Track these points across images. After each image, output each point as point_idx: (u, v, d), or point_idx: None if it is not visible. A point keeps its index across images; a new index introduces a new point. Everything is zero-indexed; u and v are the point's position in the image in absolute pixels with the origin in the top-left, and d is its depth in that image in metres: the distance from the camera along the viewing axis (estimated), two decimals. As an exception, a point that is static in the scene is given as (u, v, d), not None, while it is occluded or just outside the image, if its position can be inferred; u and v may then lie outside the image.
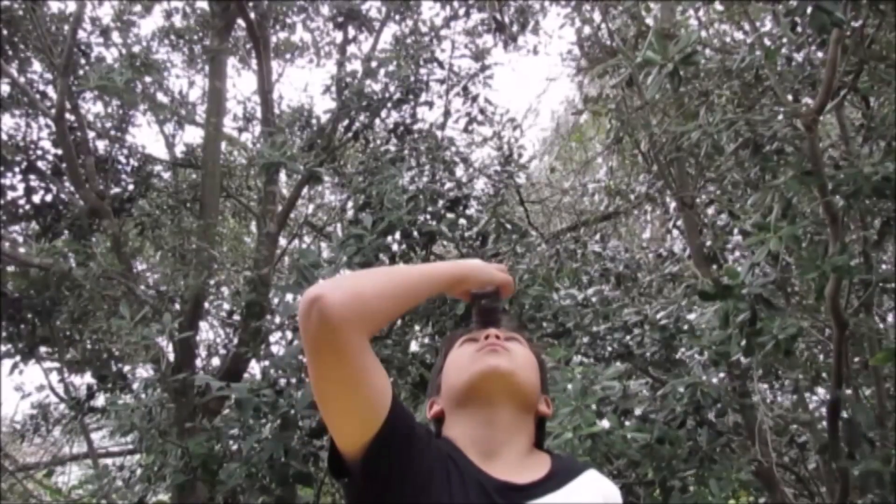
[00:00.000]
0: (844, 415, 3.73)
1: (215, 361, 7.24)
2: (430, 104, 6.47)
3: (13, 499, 7.72)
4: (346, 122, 6.67)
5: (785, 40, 3.96)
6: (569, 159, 9.51)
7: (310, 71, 9.83)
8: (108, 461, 7.79)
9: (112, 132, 7.40)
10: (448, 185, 5.26)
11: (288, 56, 8.64)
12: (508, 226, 5.18)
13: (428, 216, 4.80)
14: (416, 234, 4.75)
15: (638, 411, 3.77)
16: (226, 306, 7.23)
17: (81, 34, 6.96)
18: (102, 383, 6.77)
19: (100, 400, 6.75)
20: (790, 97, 3.92)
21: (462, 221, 5.02)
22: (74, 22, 6.49)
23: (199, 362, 6.88)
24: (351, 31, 7.71)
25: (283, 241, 7.79)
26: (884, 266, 4.28)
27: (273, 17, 7.88)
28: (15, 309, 6.80)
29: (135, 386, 6.01)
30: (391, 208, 4.59)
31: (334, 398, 1.28)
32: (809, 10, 2.80)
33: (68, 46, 6.30)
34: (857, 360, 4.66)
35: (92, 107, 7.41)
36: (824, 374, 4.69)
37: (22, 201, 7.03)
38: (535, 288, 4.56)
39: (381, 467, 1.28)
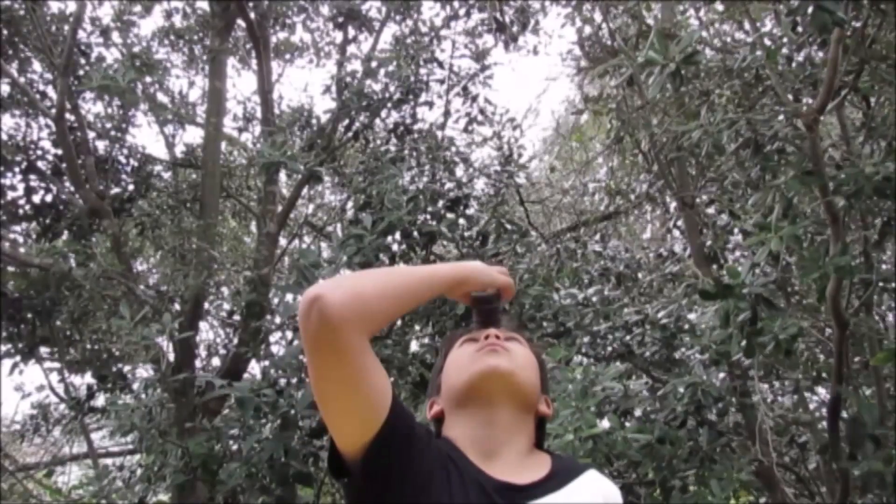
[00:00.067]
0: (845, 414, 3.73)
1: (215, 361, 7.24)
2: (430, 104, 6.47)
3: (13, 499, 7.72)
4: (346, 122, 6.66)
5: (786, 40, 3.95)
6: (569, 159, 9.51)
7: (310, 71, 9.85)
8: (108, 461, 7.80)
9: (112, 132, 7.40)
10: (448, 185, 5.26)
11: (288, 56, 8.64)
12: (508, 226, 5.18)
13: (428, 216, 4.80)
14: (416, 234, 4.74)
15: (638, 411, 3.77)
16: (226, 306, 7.23)
17: (81, 34, 6.95)
18: (102, 383, 6.76)
19: (100, 400, 6.74)
20: (791, 97, 3.92)
21: (462, 221, 5.01)
22: (74, 22, 6.49)
23: (199, 362, 6.87)
24: (351, 31, 7.71)
25: (283, 241, 7.79)
26: (884, 266, 4.27)
27: (273, 17, 7.88)
28: (15, 309, 6.80)
29: (135, 386, 6.00)
30: (391, 208, 4.58)
31: (334, 398, 1.28)
32: (810, 9, 2.80)
33: (68, 46, 6.29)
34: (857, 360, 4.66)
35: (92, 107, 7.41)
36: (825, 374, 4.68)
37: (22, 201, 7.03)
38: (535, 288, 4.56)
39: (381, 467, 1.28)
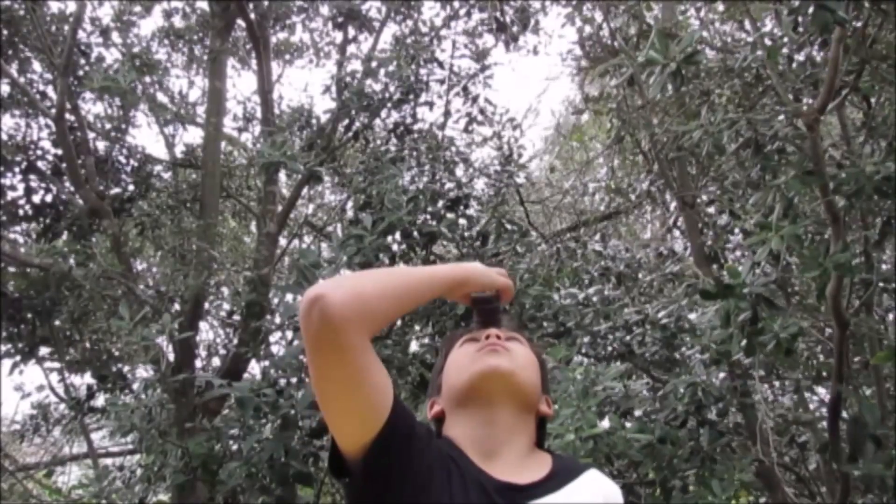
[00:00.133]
0: (845, 414, 3.73)
1: (215, 361, 7.24)
2: (431, 104, 6.47)
3: (13, 499, 7.72)
4: (346, 122, 6.66)
5: (786, 39, 3.95)
6: (569, 159, 9.51)
7: (310, 71, 9.85)
8: (108, 461, 7.80)
9: (112, 132, 7.40)
10: (448, 185, 5.25)
11: (288, 56, 8.63)
12: (509, 226, 5.17)
13: (428, 216, 4.79)
14: (416, 234, 4.74)
15: (639, 411, 3.77)
16: (226, 306, 7.23)
17: (81, 34, 6.95)
18: (102, 383, 6.76)
19: (100, 400, 6.74)
20: (791, 97, 3.92)
21: (462, 221, 5.01)
22: (74, 22, 6.48)
23: (199, 362, 6.87)
24: (351, 31, 7.71)
25: (283, 241, 7.78)
26: (885, 266, 4.27)
27: (273, 17, 7.88)
28: (15, 309, 6.79)
29: (135, 386, 6.00)
30: (391, 208, 4.58)
31: (335, 398, 1.28)
32: (811, 9, 2.80)
33: (68, 46, 6.29)
34: (857, 359, 4.66)
35: (92, 107, 7.41)
36: (825, 374, 4.68)
37: (22, 201, 7.03)
38: (535, 288, 4.56)
39: (382, 467, 1.28)
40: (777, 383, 4.98)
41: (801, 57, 4.06)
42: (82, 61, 7.00)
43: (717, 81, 4.57)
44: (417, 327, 4.99)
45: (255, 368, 6.53)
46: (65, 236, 7.10)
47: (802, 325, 3.58)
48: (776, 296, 3.31)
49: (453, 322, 4.43)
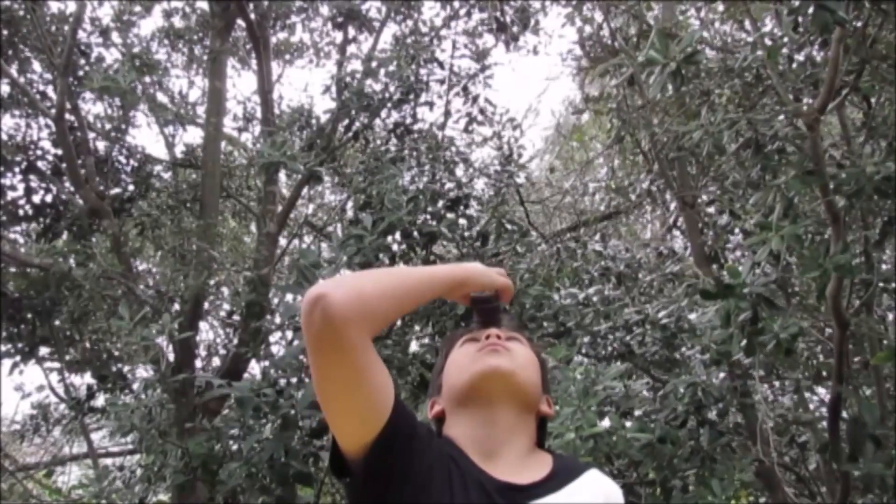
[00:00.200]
0: (845, 414, 3.73)
1: (215, 361, 7.24)
2: (431, 104, 6.47)
3: (13, 499, 7.72)
4: (346, 122, 6.66)
5: (786, 39, 3.95)
6: (569, 159, 9.51)
7: (310, 71, 9.85)
8: (108, 461, 7.79)
9: (112, 132, 7.39)
10: (448, 185, 5.25)
11: (288, 56, 8.63)
12: (509, 226, 5.17)
13: (428, 216, 4.79)
14: (416, 234, 4.74)
15: (639, 411, 3.77)
16: (226, 306, 7.23)
17: (81, 34, 6.94)
18: (102, 383, 6.76)
19: (100, 400, 6.74)
20: (792, 97, 3.92)
21: (462, 221, 5.00)
22: (74, 22, 6.48)
23: (199, 362, 6.87)
24: (351, 31, 7.70)
25: (283, 241, 7.78)
26: (885, 266, 4.27)
27: (273, 17, 7.88)
28: (15, 309, 6.79)
29: (135, 386, 6.01)
30: (391, 208, 4.58)
31: (336, 397, 1.28)
32: (812, 9, 2.79)
33: (68, 46, 6.29)
34: (857, 359, 4.66)
35: (92, 107, 7.40)
36: (825, 374, 4.68)
37: (22, 201, 7.02)
38: (535, 287, 4.55)
39: (383, 467, 1.28)
40: (777, 383, 4.98)
41: (801, 57, 4.06)
42: (82, 61, 6.99)
43: (718, 81, 4.57)
44: (417, 327, 4.99)
45: (255, 368, 6.54)
46: (65, 236, 7.10)
47: (802, 325, 3.58)
48: (776, 296, 3.31)
49: (453, 322, 4.43)
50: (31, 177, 7.04)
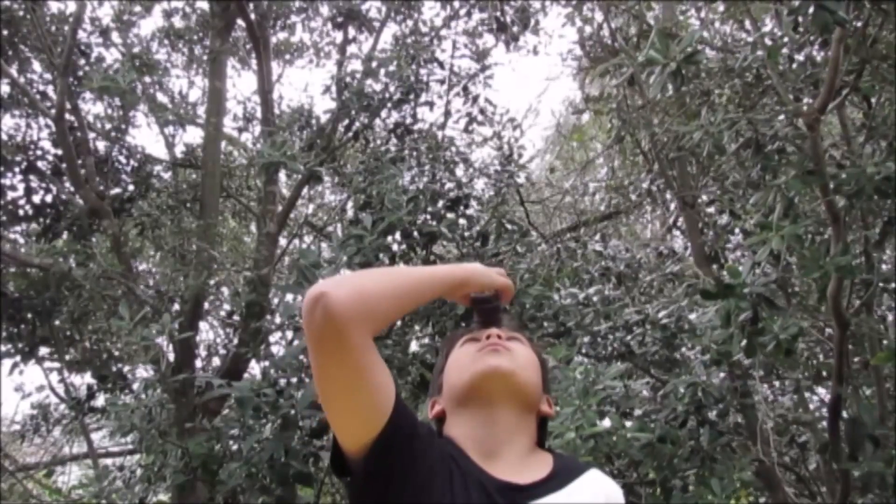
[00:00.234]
0: (845, 414, 3.73)
1: (215, 361, 7.24)
2: (431, 104, 6.47)
3: (13, 499, 7.72)
4: (346, 122, 6.66)
5: (787, 39, 3.95)
6: (569, 159, 9.51)
7: (310, 71, 9.85)
8: (108, 461, 7.79)
9: (112, 132, 7.39)
10: (448, 185, 5.25)
11: (288, 56, 8.63)
12: (509, 226, 5.17)
13: (428, 216, 4.79)
14: (416, 234, 4.74)
15: (639, 411, 3.77)
16: (226, 306, 7.22)
17: (81, 34, 6.94)
18: (102, 383, 6.76)
19: (100, 400, 6.74)
20: (792, 97, 3.92)
21: (462, 221, 5.01)
22: (74, 22, 6.48)
23: (199, 362, 6.87)
24: (351, 31, 7.70)
25: (283, 241, 7.78)
26: (885, 266, 4.27)
27: (273, 17, 7.87)
28: (15, 309, 6.79)
29: (135, 386, 6.00)
30: (391, 208, 4.58)
31: (337, 396, 1.28)
32: (812, 9, 2.79)
33: (68, 46, 6.28)
34: (857, 359, 4.66)
35: (92, 107, 7.40)
36: (825, 374, 4.68)
37: (22, 201, 7.02)
38: (535, 287, 4.55)
39: (384, 466, 1.28)
40: (777, 383, 4.98)
41: (801, 57, 4.06)
42: (82, 61, 6.99)
43: (718, 81, 4.57)
44: (417, 327, 4.99)
45: (255, 368, 6.53)
46: (65, 236, 7.10)
47: (803, 325, 3.58)
48: (776, 296, 3.31)
49: (453, 322, 4.43)
50: (31, 177, 7.04)
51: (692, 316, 4.23)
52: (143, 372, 6.40)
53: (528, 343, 1.52)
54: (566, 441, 3.07)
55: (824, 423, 4.28)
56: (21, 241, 7.45)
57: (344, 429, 1.30)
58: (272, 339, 5.70)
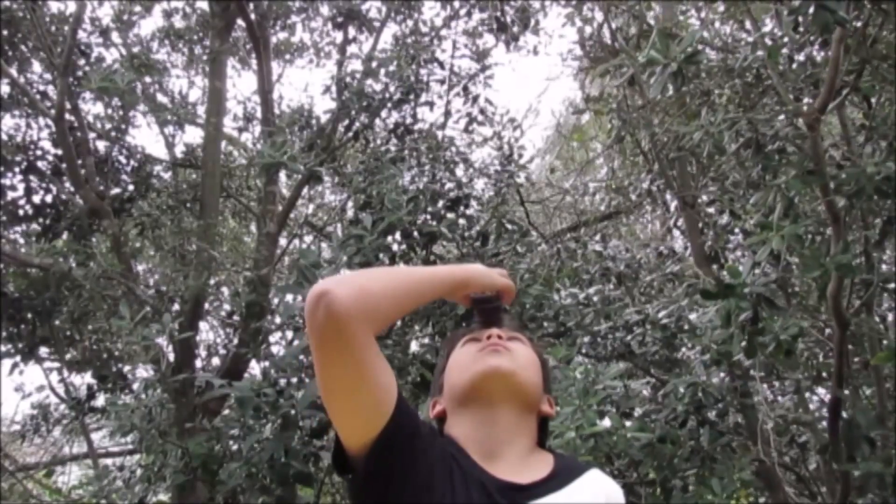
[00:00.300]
0: (845, 415, 3.73)
1: (215, 362, 7.23)
2: (431, 104, 6.47)
3: (13, 499, 7.72)
4: (346, 123, 6.66)
5: (787, 39, 3.95)
6: (570, 159, 9.51)
7: (310, 71, 9.83)
8: (108, 461, 7.79)
9: (112, 132, 7.39)
10: (448, 185, 5.25)
11: (288, 56, 8.63)
12: (509, 226, 5.17)
13: (428, 216, 4.79)
14: (416, 234, 4.74)
15: (639, 411, 3.77)
16: (226, 306, 7.22)
17: (81, 34, 6.94)
18: (102, 383, 6.76)
19: (100, 400, 6.74)
20: (792, 96, 3.92)
21: (462, 221, 5.01)
22: (74, 22, 6.48)
23: (199, 363, 6.87)
24: (351, 31, 7.70)
25: (283, 241, 7.78)
26: (885, 266, 4.27)
27: (273, 17, 7.87)
28: (15, 309, 6.79)
29: (135, 386, 6.00)
30: (391, 208, 4.58)
31: (339, 394, 1.29)
32: (812, 9, 2.79)
33: (68, 46, 6.28)
34: (857, 359, 4.66)
35: (92, 107, 7.40)
36: (825, 374, 4.68)
37: (22, 201, 7.02)
38: (535, 287, 4.55)
39: (385, 465, 1.28)
40: (777, 384, 4.98)
41: (801, 57, 4.06)
42: (82, 61, 6.99)
43: (718, 81, 4.57)
44: (417, 327, 4.99)
45: (255, 369, 6.53)
46: (65, 236, 7.10)
47: (803, 325, 3.58)
48: (777, 296, 3.31)
49: (453, 322, 4.43)
50: (31, 177, 7.04)
51: (692, 316, 4.23)
52: (143, 372, 6.41)
53: (528, 343, 1.52)
54: (566, 441, 3.07)
55: (824, 424, 4.27)
56: (21, 241, 7.45)
57: (346, 427, 1.31)
58: (272, 339, 5.71)
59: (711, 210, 5.48)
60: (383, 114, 6.44)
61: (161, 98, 7.83)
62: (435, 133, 6.43)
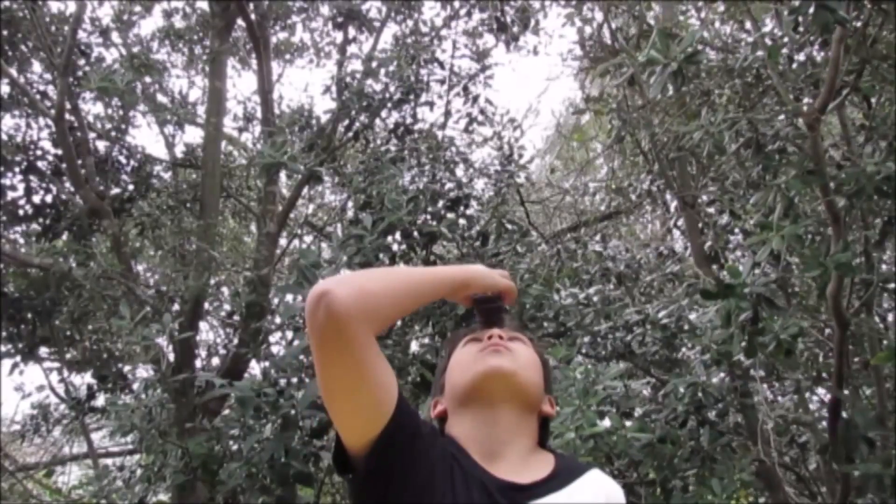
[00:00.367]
0: (845, 415, 3.73)
1: (215, 362, 7.23)
2: (431, 104, 6.47)
3: (13, 499, 7.71)
4: (346, 123, 6.66)
5: (787, 39, 3.95)
6: (570, 159, 9.51)
7: (310, 71, 9.84)
8: (108, 461, 7.79)
9: (112, 132, 7.39)
10: (448, 185, 5.25)
11: (288, 56, 8.63)
12: (509, 226, 5.17)
13: (428, 216, 4.79)
14: (416, 234, 4.74)
15: (639, 411, 3.77)
16: (226, 306, 7.22)
17: (81, 34, 6.94)
18: (102, 383, 6.76)
19: (100, 400, 6.74)
20: (792, 96, 3.92)
21: (462, 221, 5.01)
22: (74, 22, 6.47)
23: (199, 363, 6.87)
24: (351, 32, 7.70)
25: (283, 241, 7.78)
26: (885, 266, 4.27)
27: (273, 17, 7.87)
28: (15, 309, 6.79)
29: (135, 386, 6.00)
30: (391, 208, 4.58)
31: (340, 394, 1.29)
32: (812, 9, 2.79)
33: (68, 46, 6.28)
34: (857, 359, 4.66)
35: (92, 107, 7.40)
36: (825, 374, 4.68)
37: (22, 201, 7.02)
38: (535, 287, 4.55)
39: (385, 465, 1.28)
40: (777, 384, 4.97)
41: (801, 57, 4.06)
42: (82, 61, 6.99)
43: (718, 81, 4.57)
44: (417, 327, 4.99)
45: (255, 369, 6.53)
46: (65, 236, 7.10)
47: (803, 325, 3.58)
48: (777, 296, 3.31)
49: (454, 322, 4.43)
50: (31, 177, 7.04)
51: (692, 316, 4.23)
52: (143, 372, 6.41)
53: (529, 343, 1.52)
54: (566, 441, 3.07)
55: (824, 424, 4.27)
56: (21, 241, 7.45)
57: (346, 427, 1.31)
58: (272, 339, 5.71)
59: (711, 210, 5.48)
60: (383, 114, 6.44)
61: (161, 98, 7.82)
62: (435, 133, 6.44)
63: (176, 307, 6.57)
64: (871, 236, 3.84)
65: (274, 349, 5.55)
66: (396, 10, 7.43)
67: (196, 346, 6.79)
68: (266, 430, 3.99)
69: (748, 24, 4.85)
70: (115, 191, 7.22)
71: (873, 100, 4.02)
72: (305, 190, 7.79)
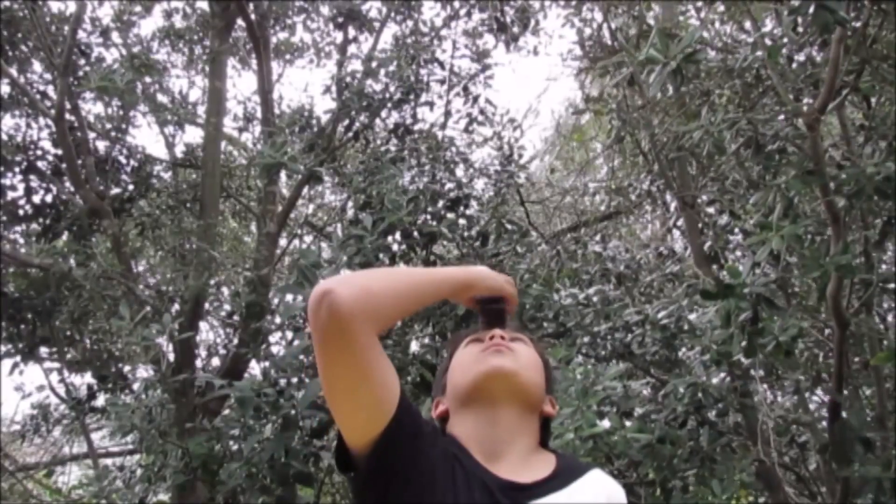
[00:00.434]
0: (845, 415, 3.73)
1: (215, 362, 7.24)
2: (431, 104, 6.47)
3: (13, 499, 7.71)
4: (346, 123, 6.66)
5: (787, 40, 3.95)
6: (569, 159, 9.51)
7: (310, 71, 9.84)
8: (108, 461, 7.79)
9: (112, 132, 7.39)
10: (448, 185, 5.26)
11: (288, 56, 8.63)
12: (509, 226, 5.18)
13: (428, 216, 4.80)
14: (416, 234, 4.74)
15: (639, 411, 3.77)
16: (226, 306, 7.22)
17: (81, 34, 6.94)
18: (102, 383, 6.76)
19: (100, 400, 6.74)
20: (792, 97, 3.92)
21: (462, 221, 5.01)
22: (74, 22, 6.48)
23: (199, 363, 6.87)
24: (351, 32, 7.71)
25: (283, 241, 7.78)
26: (884, 266, 4.27)
27: (273, 17, 7.88)
28: (15, 309, 6.79)
29: (135, 386, 6.00)
30: (391, 208, 4.58)
31: (342, 393, 1.29)
32: (812, 9, 2.79)
33: (68, 46, 6.28)
34: (857, 360, 4.66)
35: (92, 107, 7.40)
36: (825, 375, 4.68)
37: (22, 201, 7.02)
38: (535, 288, 4.56)
39: (387, 463, 1.29)
40: (777, 384, 4.98)
41: (801, 57, 4.06)
42: (82, 61, 6.99)
43: (718, 81, 4.57)
44: (417, 327, 4.99)
45: (255, 369, 6.53)
46: (65, 236, 7.10)
47: (803, 325, 3.58)
48: (776, 296, 3.31)
49: (454, 323, 4.43)
50: (31, 177, 7.04)
51: (692, 316, 4.23)
52: (143, 372, 6.40)
53: (531, 344, 1.53)
54: (565, 441, 3.07)
55: (824, 424, 4.28)
56: (21, 241, 7.45)
57: (348, 425, 1.31)
58: (272, 339, 5.71)
59: (711, 210, 5.48)
60: (383, 114, 6.44)
61: (161, 98, 7.82)
62: (435, 133, 6.44)
63: (176, 307, 6.57)
64: (871, 236, 3.84)
65: (274, 349, 5.55)
66: (396, 10, 7.43)
67: (196, 347, 6.79)
68: (266, 430, 3.99)
69: (748, 25, 4.85)
70: (115, 191, 7.22)
71: (873, 100, 4.02)
72: (305, 190, 7.79)
